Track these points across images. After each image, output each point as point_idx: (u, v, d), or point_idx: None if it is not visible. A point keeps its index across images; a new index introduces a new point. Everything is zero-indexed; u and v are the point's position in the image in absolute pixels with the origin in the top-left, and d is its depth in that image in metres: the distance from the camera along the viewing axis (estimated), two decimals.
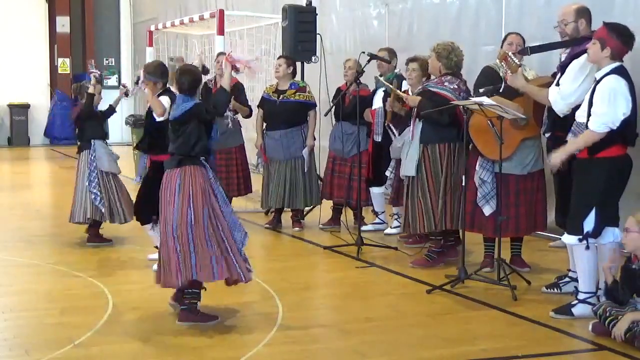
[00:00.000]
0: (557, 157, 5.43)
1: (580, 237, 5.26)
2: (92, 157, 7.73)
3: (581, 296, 5.41)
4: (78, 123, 7.97)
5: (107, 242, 7.87)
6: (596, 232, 5.26)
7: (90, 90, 7.84)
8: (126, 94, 8.49)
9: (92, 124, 7.96)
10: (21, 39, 19.69)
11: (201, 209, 5.20)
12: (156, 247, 6.23)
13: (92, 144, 7.79)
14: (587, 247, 5.27)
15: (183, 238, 5.18)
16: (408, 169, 6.77)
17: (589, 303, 5.33)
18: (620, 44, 5.23)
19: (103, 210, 7.66)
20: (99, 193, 7.66)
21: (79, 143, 7.98)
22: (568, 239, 5.40)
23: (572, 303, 5.45)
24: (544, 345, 4.92)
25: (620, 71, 5.22)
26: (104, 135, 8.00)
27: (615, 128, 5.15)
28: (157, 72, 6.33)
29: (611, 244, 5.34)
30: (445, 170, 6.64)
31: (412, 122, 6.82)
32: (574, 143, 5.33)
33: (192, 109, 5.32)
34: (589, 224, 5.25)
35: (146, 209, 6.58)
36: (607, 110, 5.14)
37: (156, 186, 5.50)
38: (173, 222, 5.21)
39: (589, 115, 5.21)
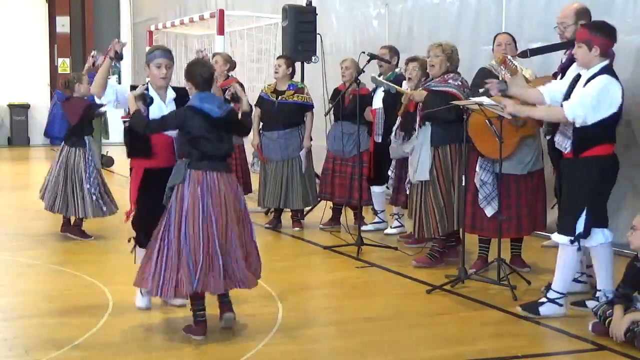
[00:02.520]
0: (509, 105, 5.43)
1: (572, 238, 5.21)
2: (90, 156, 7.73)
3: (551, 295, 5.37)
4: (89, 116, 7.84)
5: (87, 237, 7.97)
6: (586, 233, 5.22)
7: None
8: (93, 65, 8.37)
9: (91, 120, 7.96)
10: (21, 39, 19.68)
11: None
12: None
13: (87, 141, 7.78)
14: (579, 249, 5.24)
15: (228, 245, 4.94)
16: (422, 174, 6.71)
17: (557, 304, 5.32)
18: (606, 39, 5.18)
19: (105, 208, 7.75)
20: (99, 195, 7.72)
21: (73, 138, 7.85)
22: (559, 238, 5.32)
23: (541, 301, 5.41)
24: (544, 345, 4.93)
25: (611, 70, 5.19)
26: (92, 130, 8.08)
27: (587, 124, 5.08)
28: None
29: (602, 245, 5.30)
30: (457, 171, 6.59)
31: (417, 125, 6.74)
32: (532, 109, 5.36)
33: (234, 112, 5.16)
34: (580, 224, 5.20)
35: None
36: (589, 104, 5.06)
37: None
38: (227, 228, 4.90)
39: (567, 96, 5.15)
